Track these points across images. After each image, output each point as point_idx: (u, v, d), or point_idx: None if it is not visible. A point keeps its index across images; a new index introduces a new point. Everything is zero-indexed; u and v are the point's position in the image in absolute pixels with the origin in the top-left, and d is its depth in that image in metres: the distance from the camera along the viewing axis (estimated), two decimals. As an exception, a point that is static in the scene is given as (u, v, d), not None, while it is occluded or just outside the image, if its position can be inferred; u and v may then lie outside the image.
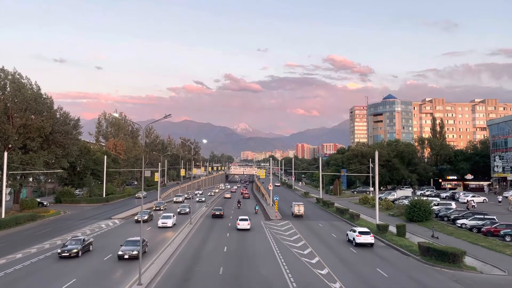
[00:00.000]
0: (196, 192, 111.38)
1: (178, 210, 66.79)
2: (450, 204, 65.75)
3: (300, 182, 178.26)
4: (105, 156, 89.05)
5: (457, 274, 30.81)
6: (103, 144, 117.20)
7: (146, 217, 55.86)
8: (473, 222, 49.26)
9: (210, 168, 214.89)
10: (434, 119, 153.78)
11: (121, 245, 34.57)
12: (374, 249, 40.17)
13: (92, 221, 58.15)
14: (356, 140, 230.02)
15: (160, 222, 51.60)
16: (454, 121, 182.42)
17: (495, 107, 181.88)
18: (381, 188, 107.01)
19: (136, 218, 56.26)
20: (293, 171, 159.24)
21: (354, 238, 42.34)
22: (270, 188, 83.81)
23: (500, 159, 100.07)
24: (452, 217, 55.64)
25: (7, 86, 61.78)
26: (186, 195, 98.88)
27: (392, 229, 48.27)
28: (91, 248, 37.72)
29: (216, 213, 63.54)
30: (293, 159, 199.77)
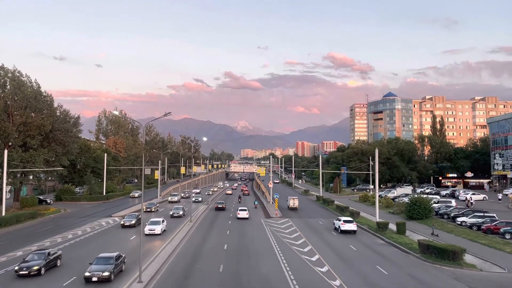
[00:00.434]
0: (194, 190, 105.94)
1: (171, 213, 60.12)
2: (450, 202, 65.76)
3: (300, 180, 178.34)
4: (105, 154, 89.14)
5: (457, 271, 30.85)
6: (103, 142, 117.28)
7: (133, 221, 50.15)
8: (473, 220, 49.26)
9: (210, 166, 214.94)
10: (434, 117, 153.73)
11: (90, 263, 27.96)
12: (374, 247, 40.22)
13: (92, 219, 58.20)
14: (356, 138, 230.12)
15: (147, 229, 44.57)
16: (454, 119, 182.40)
17: (495, 104, 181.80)
18: (381, 186, 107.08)
19: (122, 222, 50.53)
20: (293, 169, 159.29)
21: (339, 226, 48.57)
22: (270, 186, 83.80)
23: (500, 157, 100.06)
24: (452, 214, 55.64)
25: (7, 84, 61.75)
26: (183, 194, 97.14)
27: (392, 226, 48.30)
28: (58, 263, 31.03)
29: (219, 206, 71.83)
30: (293, 157, 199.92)
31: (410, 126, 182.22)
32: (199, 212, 67.39)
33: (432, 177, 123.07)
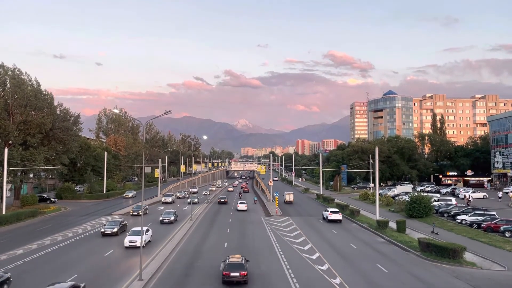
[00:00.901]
0: (191, 190, 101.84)
1: (160, 218, 52.35)
2: (450, 200, 65.82)
3: (300, 178, 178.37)
4: (106, 152, 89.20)
5: (457, 269, 30.88)
6: (104, 140, 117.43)
7: (115, 229, 43.07)
8: (473, 218, 49.29)
9: (210, 164, 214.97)
10: (434, 115, 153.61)
11: None
12: (374, 245, 40.29)
13: (92, 217, 58.24)
14: (357, 136, 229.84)
15: (126, 241, 36.93)
16: (454, 117, 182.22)
17: (495, 103, 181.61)
18: (381, 184, 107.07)
19: (102, 230, 43.48)
20: (293, 167, 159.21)
21: (327, 216, 56.43)
22: (271, 184, 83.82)
23: (500, 155, 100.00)
24: (452, 213, 55.66)
25: (7, 82, 61.76)
26: (179, 194, 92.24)
27: (392, 225, 48.33)
28: None
29: (222, 200, 79.90)
30: (293, 155, 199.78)
31: (411, 124, 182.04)
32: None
33: (432, 175, 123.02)
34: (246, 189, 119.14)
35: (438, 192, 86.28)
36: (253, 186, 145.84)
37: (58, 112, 71.32)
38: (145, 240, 36.08)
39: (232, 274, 26.39)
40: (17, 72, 62.94)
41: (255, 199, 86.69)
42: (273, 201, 76.78)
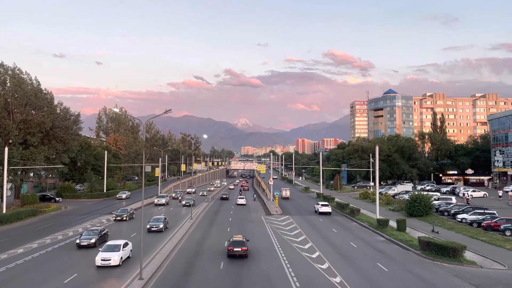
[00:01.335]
0: (188, 190, 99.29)
1: (148, 226, 44.74)
2: (451, 199, 65.83)
3: (301, 177, 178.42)
4: (106, 151, 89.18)
5: (457, 268, 30.89)
6: (104, 139, 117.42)
7: (93, 240, 36.54)
8: (473, 217, 49.30)
9: (210, 163, 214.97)
10: (434, 114, 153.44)
11: None
12: (374, 244, 40.32)
13: (93, 216, 58.25)
14: (357, 135, 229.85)
15: (98, 258, 29.74)
16: (454, 116, 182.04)
17: (495, 101, 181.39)
18: (382, 183, 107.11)
19: (78, 241, 36.69)
20: (293, 166, 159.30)
21: (318, 209, 64.01)
22: (271, 183, 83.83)
23: (500, 154, 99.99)
24: (452, 211, 55.70)
25: (7, 81, 61.68)
26: (174, 194, 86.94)
27: (393, 223, 48.36)
28: None
29: (224, 196, 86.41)
30: (293, 154, 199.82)
31: (411, 123, 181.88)
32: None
33: (432, 174, 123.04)
34: (246, 187, 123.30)
35: (438, 191, 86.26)
36: (253, 185, 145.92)
37: (58, 111, 71.25)
38: (121, 258, 30.36)
39: (235, 249, 33.12)
40: (17, 71, 62.88)
41: (255, 196, 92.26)
42: (273, 200, 76.80)
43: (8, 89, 61.22)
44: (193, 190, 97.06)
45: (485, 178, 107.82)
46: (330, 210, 63.26)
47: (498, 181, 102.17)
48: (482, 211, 51.17)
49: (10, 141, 60.87)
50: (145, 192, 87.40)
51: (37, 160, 62.10)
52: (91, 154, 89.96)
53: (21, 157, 60.06)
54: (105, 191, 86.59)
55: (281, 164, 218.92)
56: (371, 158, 76.07)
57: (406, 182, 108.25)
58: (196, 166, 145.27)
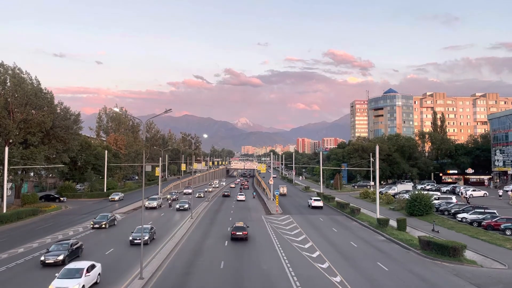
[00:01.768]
0: (185, 190, 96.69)
1: (130, 238, 37.97)
2: (451, 198, 65.81)
3: (301, 177, 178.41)
4: (106, 151, 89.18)
5: (457, 267, 30.88)
6: (104, 139, 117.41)
7: (60, 257, 29.83)
8: (474, 216, 49.29)
9: (210, 163, 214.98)
10: (435, 113, 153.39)
11: None
12: (375, 243, 40.33)
13: (93, 216, 58.11)
14: (357, 134, 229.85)
15: (53, 286, 23.20)
16: (455, 115, 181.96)
17: (496, 101, 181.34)
18: (382, 182, 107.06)
19: (42, 258, 30.15)
20: (293, 165, 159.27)
21: (310, 203, 70.92)
22: (271, 182, 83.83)
23: (501, 153, 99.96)
24: (452, 211, 55.69)
25: (7, 81, 61.68)
26: (169, 196, 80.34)
27: (393, 223, 48.35)
28: None
29: (225, 194, 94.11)
30: (293, 154, 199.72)
31: (411, 122, 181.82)
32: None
33: (432, 174, 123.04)
34: (246, 186, 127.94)
35: (438, 190, 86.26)
36: (254, 184, 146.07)
37: (58, 111, 71.29)
38: (83, 287, 23.76)
39: (237, 233, 40.18)
40: (17, 71, 62.88)
41: (254, 194, 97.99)
42: (273, 200, 76.81)
43: (8, 89, 61.22)
44: (191, 191, 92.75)
45: (485, 177, 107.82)
46: (321, 205, 69.96)
47: (498, 180, 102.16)
48: (482, 210, 51.15)
49: (11, 140, 60.90)
50: (145, 192, 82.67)
51: (37, 159, 62.12)
52: (91, 154, 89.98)
53: (21, 157, 60.08)
54: (105, 190, 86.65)
55: (281, 164, 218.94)
56: (371, 158, 76.13)
57: (406, 182, 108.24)
58: (196, 166, 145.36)
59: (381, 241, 41.57)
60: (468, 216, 50.05)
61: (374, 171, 63.80)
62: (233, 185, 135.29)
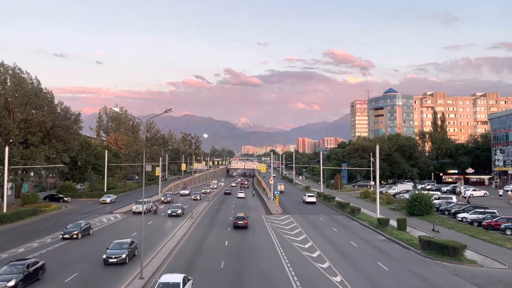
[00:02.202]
0: (181, 191, 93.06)
1: (104, 256, 30.34)
2: (451, 198, 65.80)
3: (301, 176, 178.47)
4: (106, 151, 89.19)
5: (457, 267, 30.86)
6: (104, 139, 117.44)
7: (11, 283, 23.47)
8: (474, 216, 49.27)
9: (211, 163, 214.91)
10: (435, 113, 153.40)
11: None
12: (375, 243, 40.31)
13: (93, 216, 58.22)
14: (357, 134, 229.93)
15: None
16: (455, 115, 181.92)
17: (496, 100, 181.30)
18: (382, 182, 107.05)
19: None
20: (294, 165, 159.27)
21: (304, 199, 77.46)
22: (271, 182, 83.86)
23: (501, 153, 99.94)
24: (452, 211, 55.66)
25: (8, 80, 61.68)
26: (163, 198, 75.77)
27: (393, 223, 48.32)
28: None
29: (227, 191, 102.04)
30: (293, 154, 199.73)
31: (411, 122, 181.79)
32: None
33: (433, 174, 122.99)
34: (246, 186, 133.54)
35: (438, 190, 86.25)
36: (254, 184, 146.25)
37: (58, 111, 71.29)
38: None
39: (238, 222, 47.15)
40: (17, 71, 62.87)
41: (254, 192, 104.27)
42: (273, 199, 76.82)
43: (9, 89, 61.21)
44: (188, 192, 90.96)
45: (486, 177, 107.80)
46: (315, 200, 76.79)
47: (498, 180, 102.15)
48: (483, 210, 51.14)
49: (11, 140, 60.90)
50: (145, 192, 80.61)
51: (37, 159, 62.12)
52: (92, 154, 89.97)
53: (21, 157, 60.07)
54: (105, 190, 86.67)
55: (282, 164, 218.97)
56: (371, 157, 76.12)
57: (407, 181, 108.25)
58: (196, 166, 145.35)
59: (381, 241, 41.55)
60: (468, 216, 50.03)
61: (374, 171, 63.77)
62: (234, 184, 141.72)
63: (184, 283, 22.56)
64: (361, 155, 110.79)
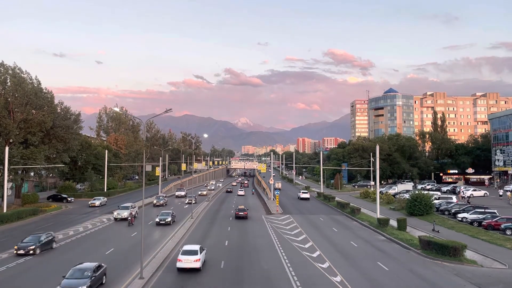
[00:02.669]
0: (177, 193, 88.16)
1: (63, 283, 22.97)
2: (451, 198, 65.80)
3: (301, 176, 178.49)
4: (106, 151, 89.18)
5: (457, 267, 30.86)
6: (104, 139, 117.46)
7: None
8: (474, 216, 49.26)
9: (211, 163, 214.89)
10: (435, 113, 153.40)
11: None
12: (375, 243, 40.30)
13: (93, 215, 58.22)
14: (357, 134, 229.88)
15: None
16: (455, 115, 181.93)
17: (496, 100, 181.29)
18: (382, 182, 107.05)
19: None
20: (294, 165, 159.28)
21: (299, 195, 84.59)
22: (271, 182, 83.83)
23: (501, 153, 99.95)
24: (452, 211, 55.67)
25: (8, 80, 61.65)
26: (156, 201, 70.68)
27: (393, 223, 48.32)
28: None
29: (228, 190, 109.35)
30: (293, 154, 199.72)
31: (411, 122, 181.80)
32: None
33: (433, 174, 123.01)
34: (246, 185, 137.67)
35: (439, 190, 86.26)
36: (254, 184, 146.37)
37: (58, 111, 71.29)
38: None
39: (239, 213, 54.72)
40: (17, 71, 62.82)
41: (253, 191, 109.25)
42: (273, 199, 76.80)
43: (9, 89, 61.16)
44: (184, 193, 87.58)
45: (486, 177, 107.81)
46: (308, 196, 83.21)
47: (498, 180, 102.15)
48: (483, 210, 51.14)
49: (11, 140, 60.88)
50: (145, 192, 78.84)
51: (37, 159, 62.10)
52: (92, 154, 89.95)
53: (21, 157, 60.05)
54: (105, 190, 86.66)
55: (282, 164, 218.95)
56: (371, 157, 76.17)
57: (407, 181, 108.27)
58: (196, 166, 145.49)
59: (381, 241, 41.54)
60: (469, 216, 50.03)
61: (374, 171, 63.79)
62: (234, 183, 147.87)
63: (201, 251, 29.92)
64: (361, 155, 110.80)
